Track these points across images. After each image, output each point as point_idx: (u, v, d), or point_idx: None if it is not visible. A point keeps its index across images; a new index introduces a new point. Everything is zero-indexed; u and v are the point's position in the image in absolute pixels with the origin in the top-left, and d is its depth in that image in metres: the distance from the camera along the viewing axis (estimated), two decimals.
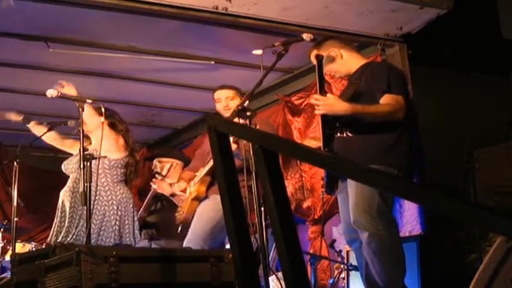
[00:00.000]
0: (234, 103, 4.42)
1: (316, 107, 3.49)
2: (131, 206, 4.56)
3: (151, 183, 5.48)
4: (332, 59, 3.78)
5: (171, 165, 5.42)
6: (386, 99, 3.53)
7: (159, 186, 5.38)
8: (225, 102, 4.55)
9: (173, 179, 5.23)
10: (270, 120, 5.84)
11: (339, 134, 3.63)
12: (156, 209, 5.67)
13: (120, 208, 4.46)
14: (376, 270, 3.46)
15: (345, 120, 3.58)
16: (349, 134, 3.61)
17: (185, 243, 4.40)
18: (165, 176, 5.37)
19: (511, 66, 5.46)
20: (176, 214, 4.72)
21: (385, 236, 3.44)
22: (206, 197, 4.51)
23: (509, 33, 5.09)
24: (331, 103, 3.45)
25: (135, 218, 4.59)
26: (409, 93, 3.76)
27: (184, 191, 4.69)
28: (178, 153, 6.16)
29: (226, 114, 4.42)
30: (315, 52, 3.73)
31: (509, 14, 5.13)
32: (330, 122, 3.60)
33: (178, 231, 4.73)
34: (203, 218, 4.40)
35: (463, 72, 5.53)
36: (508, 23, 5.10)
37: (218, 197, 4.60)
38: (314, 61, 3.66)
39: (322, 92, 3.52)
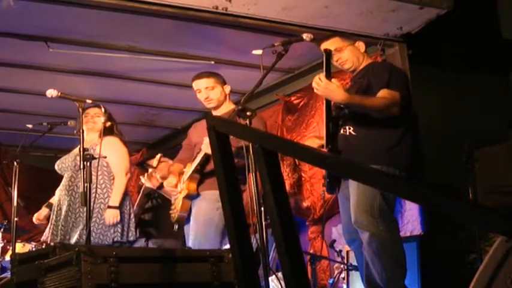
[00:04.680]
0: (216, 93, 4.24)
1: (316, 87, 3.47)
2: (127, 202, 4.62)
3: (140, 177, 5.44)
4: (352, 49, 3.77)
5: (161, 156, 5.36)
6: (382, 93, 3.52)
7: (147, 180, 5.30)
8: (205, 94, 4.25)
9: (163, 172, 5.19)
10: (270, 121, 5.83)
11: (342, 131, 3.63)
12: (150, 206, 5.66)
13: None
14: (376, 270, 3.46)
15: (347, 117, 3.58)
16: (352, 132, 3.61)
17: (191, 246, 4.29)
18: (155, 168, 5.32)
19: (511, 66, 5.45)
20: (170, 212, 4.64)
21: (386, 236, 3.43)
22: (198, 194, 4.29)
23: (509, 33, 5.09)
24: (332, 89, 3.41)
25: (131, 216, 4.61)
26: (411, 93, 3.75)
27: (175, 186, 4.46)
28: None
29: (209, 105, 4.26)
30: (326, 44, 3.71)
31: (509, 14, 5.13)
32: (334, 120, 3.60)
33: (175, 230, 4.68)
34: (200, 220, 4.21)
35: (463, 72, 5.52)
36: (508, 23, 5.11)
37: (210, 194, 4.50)
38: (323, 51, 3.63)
39: (329, 78, 3.48)
